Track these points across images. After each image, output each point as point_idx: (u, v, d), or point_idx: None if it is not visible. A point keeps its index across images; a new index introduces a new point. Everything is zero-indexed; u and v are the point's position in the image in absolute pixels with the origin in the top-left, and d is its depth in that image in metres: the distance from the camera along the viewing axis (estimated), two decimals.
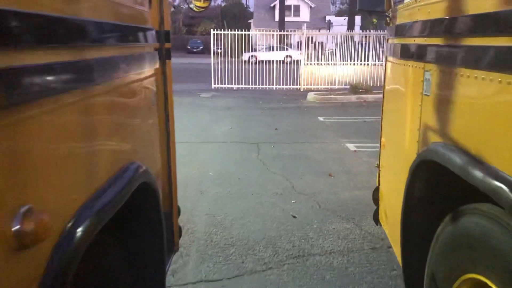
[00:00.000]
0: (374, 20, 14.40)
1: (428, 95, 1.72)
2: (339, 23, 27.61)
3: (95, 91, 1.16)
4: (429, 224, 1.72)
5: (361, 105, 10.99)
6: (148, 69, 1.72)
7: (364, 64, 14.25)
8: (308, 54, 14.37)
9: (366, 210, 3.79)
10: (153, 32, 1.79)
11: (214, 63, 13.93)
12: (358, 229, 3.56)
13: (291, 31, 15.84)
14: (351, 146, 6.41)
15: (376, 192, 2.86)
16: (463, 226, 1.42)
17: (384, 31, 14.28)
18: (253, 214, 3.87)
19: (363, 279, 2.80)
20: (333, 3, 51.82)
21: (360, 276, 2.83)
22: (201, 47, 39.41)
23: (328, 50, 15.05)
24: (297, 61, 14.85)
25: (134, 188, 1.34)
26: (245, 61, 15.19)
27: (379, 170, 2.83)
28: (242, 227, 3.59)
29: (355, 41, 14.75)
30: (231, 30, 14.31)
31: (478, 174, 1.21)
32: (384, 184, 2.68)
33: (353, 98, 11.77)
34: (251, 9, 47.83)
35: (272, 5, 41.08)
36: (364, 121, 8.50)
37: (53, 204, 0.95)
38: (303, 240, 3.35)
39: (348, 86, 12.93)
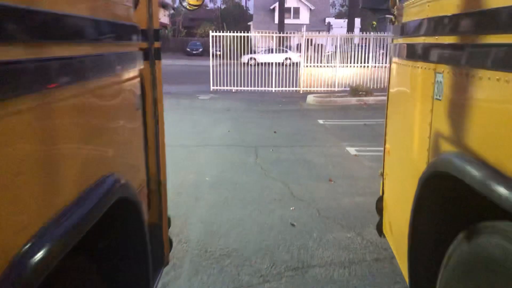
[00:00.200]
0: (374, 22, 14.29)
1: (440, 99, 1.57)
2: (339, 25, 27.52)
3: (58, 94, 1.00)
4: (440, 239, 1.58)
5: (362, 108, 10.85)
6: (130, 70, 1.56)
7: (364, 66, 14.14)
8: (307, 56, 14.27)
9: (367, 218, 3.64)
10: (137, 29, 1.63)
11: (213, 65, 13.82)
12: (359, 238, 3.40)
13: (290, 33, 15.73)
14: (352, 150, 6.26)
15: (379, 201, 2.69)
16: (482, 246, 1.27)
17: (384, 33, 14.18)
18: (250, 222, 3.71)
19: None
20: (333, 5, 51.79)
21: None
22: (200, 49, 39.29)
23: (328, 52, 14.95)
24: (297, 63, 14.73)
25: (110, 204, 1.19)
26: (244, 63, 15.08)
27: (383, 179, 2.66)
28: (238, 236, 3.43)
29: (354, 43, 14.66)
30: (230, 32, 14.19)
31: (503, 191, 1.06)
32: (389, 193, 2.52)
33: (353, 100, 11.66)
34: (251, 11, 47.85)
35: (271, 7, 41.04)
36: (365, 124, 8.35)
37: (3, 226, 0.80)
38: (302, 250, 3.19)
39: (348, 89, 12.81)
